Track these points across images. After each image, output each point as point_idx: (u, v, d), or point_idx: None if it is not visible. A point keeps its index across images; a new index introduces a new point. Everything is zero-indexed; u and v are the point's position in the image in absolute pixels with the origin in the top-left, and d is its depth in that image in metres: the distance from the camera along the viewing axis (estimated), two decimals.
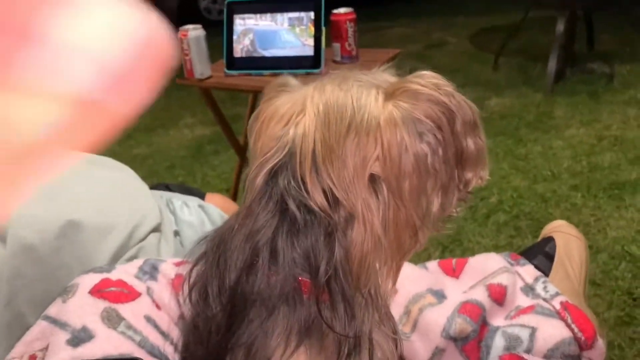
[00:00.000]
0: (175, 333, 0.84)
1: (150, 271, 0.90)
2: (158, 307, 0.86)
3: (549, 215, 2.30)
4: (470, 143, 0.61)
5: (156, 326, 0.83)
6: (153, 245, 1.14)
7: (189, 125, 3.72)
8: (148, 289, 0.87)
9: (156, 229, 1.17)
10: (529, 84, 3.60)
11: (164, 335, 0.83)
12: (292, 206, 0.60)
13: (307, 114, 0.64)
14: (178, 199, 1.29)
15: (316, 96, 0.65)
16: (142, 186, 1.25)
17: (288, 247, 0.61)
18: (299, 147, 0.63)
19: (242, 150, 2.40)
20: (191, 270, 0.69)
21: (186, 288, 0.68)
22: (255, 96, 2.36)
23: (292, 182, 0.62)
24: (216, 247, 0.66)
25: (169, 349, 0.82)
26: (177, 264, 0.93)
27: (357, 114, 0.61)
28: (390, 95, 0.62)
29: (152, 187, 1.33)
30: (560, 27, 3.39)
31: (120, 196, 1.18)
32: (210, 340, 0.65)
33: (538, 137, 2.95)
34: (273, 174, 0.64)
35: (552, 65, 3.39)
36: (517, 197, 2.46)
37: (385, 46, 4.55)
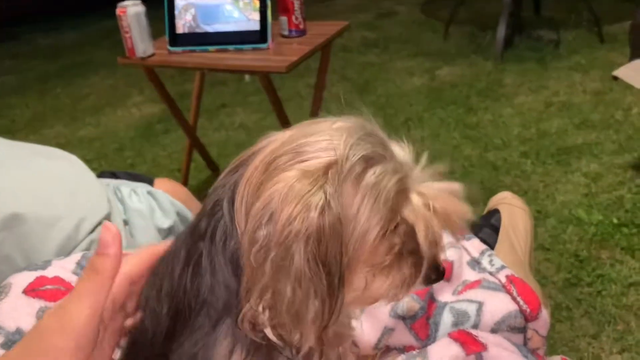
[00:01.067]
0: None
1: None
2: None
3: (499, 183, 2.35)
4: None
5: None
6: None
7: (137, 103, 3.61)
8: None
9: (105, 219, 1.13)
10: (479, 52, 3.63)
11: None
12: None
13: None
14: (126, 187, 1.25)
15: None
16: (89, 176, 1.20)
17: (219, 257, 0.57)
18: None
19: (191, 129, 2.34)
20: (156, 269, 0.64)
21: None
22: (202, 74, 2.30)
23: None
24: (175, 243, 0.63)
25: None
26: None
27: None
28: None
29: (99, 176, 1.29)
30: None
31: (66, 188, 1.14)
32: (154, 343, 0.62)
33: (488, 105, 2.99)
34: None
35: (501, 32, 3.42)
36: (469, 166, 2.49)
37: (334, 17, 4.50)
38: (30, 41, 5.40)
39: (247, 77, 3.60)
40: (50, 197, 1.08)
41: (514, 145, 2.60)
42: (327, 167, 0.50)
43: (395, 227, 0.52)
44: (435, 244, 0.55)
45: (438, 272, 0.57)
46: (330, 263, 0.49)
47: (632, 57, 2.09)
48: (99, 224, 1.10)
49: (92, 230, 1.09)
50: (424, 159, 0.56)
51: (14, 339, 0.75)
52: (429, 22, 4.34)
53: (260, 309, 0.53)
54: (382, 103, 3.16)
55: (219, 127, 3.16)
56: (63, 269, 0.85)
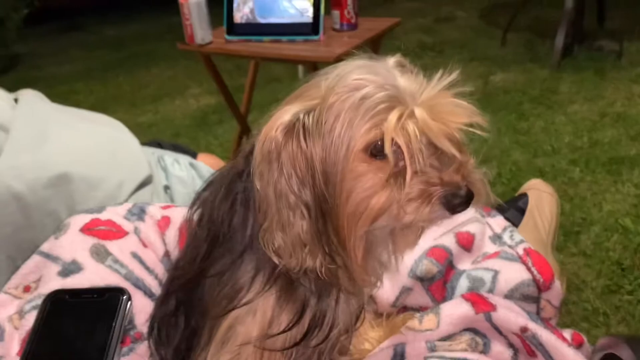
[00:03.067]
0: (160, 269, 0.88)
1: (138, 213, 0.95)
2: (144, 245, 0.91)
3: None
4: None
5: (142, 262, 0.88)
6: (146, 198, 1.18)
7: (195, 95, 3.75)
8: (135, 228, 0.92)
9: (146, 182, 1.21)
10: (536, 60, 3.58)
11: (149, 270, 0.88)
12: None
13: None
14: (170, 156, 1.33)
15: None
16: (133, 142, 1.28)
17: (252, 194, 0.64)
18: None
19: (242, 118, 2.43)
20: (198, 196, 0.73)
21: (190, 211, 0.73)
22: (256, 64, 2.39)
23: None
24: (219, 180, 0.71)
25: (153, 283, 0.86)
26: (164, 207, 0.98)
27: None
28: None
29: (144, 144, 1.37)
30: (568, 2, 3.36)
31: (110, 150, 1.21)
32: (193, 265, 0.71)
33: (541, 112, 2.95)
34: None
35: (559, 41, 3.37)
36: (516, 170, 2.47)
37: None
38: (97, 32, 5.68)
39: (300, 74, 3.68)
40: (95, 159, 1.15)
41: (563, 152, 2.56)
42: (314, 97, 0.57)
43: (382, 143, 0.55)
44: (442, 160, 0.56)
45: (459, 197, 0.56)
46: (308, 178, 0.56)
47: None
48: (140, 185, 1.17)
49: (134, 192, 1.16)
50: (433, 81, 0.58)
51: (69, 268, 0.84)
52: (487, 28, 4.30)
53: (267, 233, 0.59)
54: None
55: None
56: (116, 213, 0.94)
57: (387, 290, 0.86)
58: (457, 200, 0.56)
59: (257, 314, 0.66)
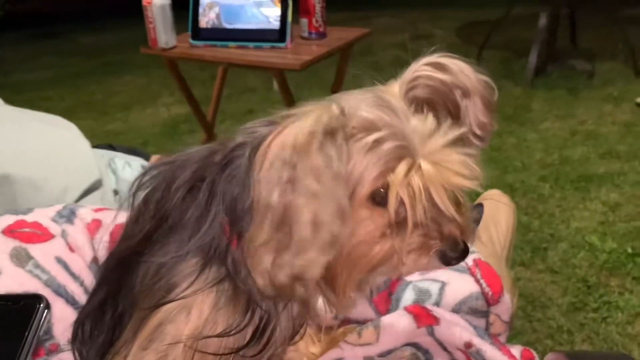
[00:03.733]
0: (87, 275, 0.83)
1: (68, 215, 0.89)
2: (71, 249, 0.85)
3: (515, 205, 2.30)
4: None
5: (66, 267, 0.82)
6: (94, 204, 1.13)
7: (167, 104, 3.69)
8: (63, 231, 0.86)
9: (94, 187, 1.16)
10: (510, 77, 3.60)
11: (74, 276, 0.82)
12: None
13: None
14: (121, 159, 1.28)
15: None
16: (83, 144, 1.23)
17: (223, 191, 0.60)
18: None
19: (209, 127, 2.38)
20: (143, 175, 0.68)
21: (133, 188, 0.68)
22: (224, 72, 2.34)
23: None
24: (184, 161, 0.66)
25: (77, 290, 0.81)
26: (97, 210, 0.92)
27: None
28: None
29: (95, 146, 1.32)
30: (542, 21, 3.39)
31: (58, 153, 1.16)
32: (130, 242, 0.67)
33: (514, 129, 2.95)
34: None
35: (532, 59, 3.39)
36: (486, 185, 2.45)
37: (369, 36, 4.52)
38: (72, 40, 5.60)
39: (275, 85, 3.65)
40: (41, 161, 1.10)
41: (534, 169, 2.55)
42: (328, 127, 0.52)
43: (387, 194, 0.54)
44: (442, 215, 0.56)
45: (456, 250, 0.57)
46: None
47: None
48: (88, 190, 1.12)
49: (81, 197, 1.11)
50: (442, 128, 0.57)
51: None
52: (463, 46, 4.33)
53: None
54: None
55: None
56: (44, 215, 0.89)
57: None
58: (453, 255, 0.57)
59: (193, 311, 0.61)
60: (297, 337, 0.70)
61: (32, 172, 1.07)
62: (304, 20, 1.92)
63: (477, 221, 0.95)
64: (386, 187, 0.54)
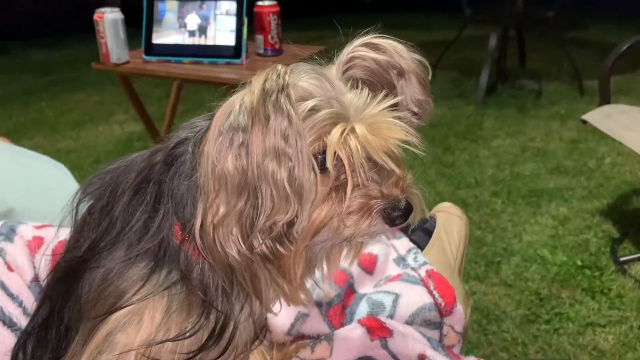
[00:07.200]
0: (26, 295, 0.79)
1: (7, 233, 0.85)
2: (10, 268, 0.81)
3: (469, 220, 2.33)
4: None
5: (4, 287, 0.78)
6: None
7: (120, 121, 3.61)
8: (1, 250, 0.82)
9: None
10: (462, 96, 3.69)
11: (12, 297, 0.78)
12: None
13: None
14: None
15: None
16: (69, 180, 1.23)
17: (171, 190, 0.59)
18: None
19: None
20: (86, 185, 0.67)
21: (75, 200, 0.67)
22: (179, 87, 2.32)
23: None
24: (126, 167, 0.65)
25: (15, 311, 0.77)
26: (38, 227, 0.88)
27: None
28: None
29: None
30: (492, 42, 3.51)
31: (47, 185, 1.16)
32: (76, 252, 0.64)
33: (466, 146, 3.01)
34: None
35: (483, 78, 3.49)
36: (440, 200, 2.46)
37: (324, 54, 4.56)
38: (23, 56, 5.44)
39: None
40: (35, 192, 1.11)
41: (486, 184, 2.61)
42: (280, 84, 0.52)
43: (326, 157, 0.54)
44: (382, 175, 0.57)
45: (399, 210, 0.57)
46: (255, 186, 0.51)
47: (602, 102, 2.13)
48: None
49: None
50: (377, 99, 0.58)
51: None
52: None
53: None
54: None
55: None
56: None
57: (282, 317, 0.80)
58: (396, 213, 0.57)
59: (144, 318, 0.59)
60: (257, 342, 0.68)
61: (34, 205, 1.07)
62: (260, 37, 1.92)
63: (429, 233, 0.96)
64: (324, 150, 0.55)
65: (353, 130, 0.55)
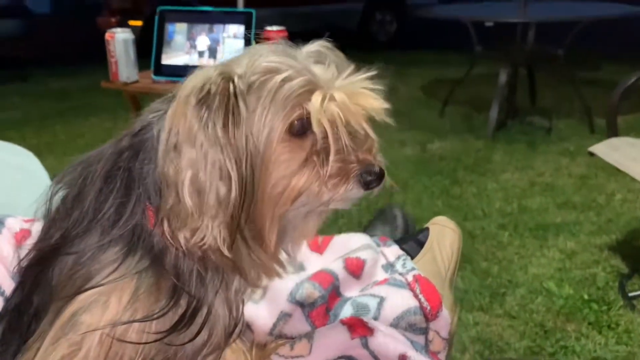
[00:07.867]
0: (9, 285, 0.78)
1: None
2: None
3: (475, 251, 2.31)
4: None
5: None
6: None
7: None
8: None
9: None
10: (472, 131, 3.70)
11: None
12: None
13: None
14: None
15: None
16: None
17: (141, 175, 0.60)
18: None
19: None
20: (60, 177, 0.68)
21: (50, 192, 0.68)
22: None
23: None
24: (93, 158, 0.66)
25: None
26: (27, 221, 0.89)
27: None
28: None
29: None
30: (502, 79, 3.53)
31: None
32: (49, 241, 0.65)
33: (474, 179, 3.00)
34: None
35: (493, 113, 3.51)
36: None
37: None
38: (42, 83, 5.58)
39: None
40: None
41: (493, 217, 2.58)
42: (203, 92, 0.55)
43: (305, 126, 0.56)
44: (357, 141, 0.58)
45: (374, 174, 0.59)
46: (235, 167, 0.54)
47: (609, 135, 2.12)
48: None
49: None
50: (347, 71, 0.60)
51: None
52: (427, 100, 4.45)
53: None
54: None
55: None
56: None
57: (264, 316, 0.79)
58: (371, 177, 0.59)
59: (112, 298, 0.59)
60: (231, 338, 0.67)
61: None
62: None
63: (422, 244, 0.95)
64: (304, 117, 0.56)
65: (332, 97, 0.56)
